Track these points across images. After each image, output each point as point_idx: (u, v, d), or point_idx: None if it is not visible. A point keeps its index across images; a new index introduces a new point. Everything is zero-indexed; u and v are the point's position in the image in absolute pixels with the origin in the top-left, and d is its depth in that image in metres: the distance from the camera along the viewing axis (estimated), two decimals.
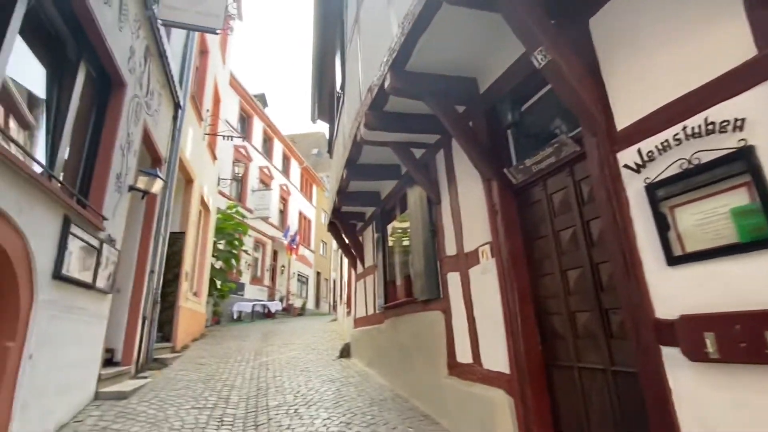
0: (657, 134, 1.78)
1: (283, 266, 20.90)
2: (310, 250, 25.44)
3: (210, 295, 11.38)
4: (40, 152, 3.19)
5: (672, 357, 1.67)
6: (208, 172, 9.83)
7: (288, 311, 19.45)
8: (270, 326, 12.48)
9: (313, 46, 6.81)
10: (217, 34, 5.52)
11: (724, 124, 1.53)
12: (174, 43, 6.21)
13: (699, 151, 1.61)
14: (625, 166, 1.93)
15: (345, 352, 6.70)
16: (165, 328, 7.37)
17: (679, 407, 1.65)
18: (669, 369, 1.70)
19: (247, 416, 3.91)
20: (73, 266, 3.29)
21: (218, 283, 12.01)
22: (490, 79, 3.03)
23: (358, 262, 6.90)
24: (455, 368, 3.51)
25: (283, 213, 21.60)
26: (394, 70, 2.95)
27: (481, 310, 3.19)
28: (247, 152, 17.29)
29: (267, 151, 20.25)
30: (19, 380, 2.67)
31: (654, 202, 1.78)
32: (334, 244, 30.39)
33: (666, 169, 1.73)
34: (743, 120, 1.48)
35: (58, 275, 3.05)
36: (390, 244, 5.38)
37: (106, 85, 4.17)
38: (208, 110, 9.36)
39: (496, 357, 2.97)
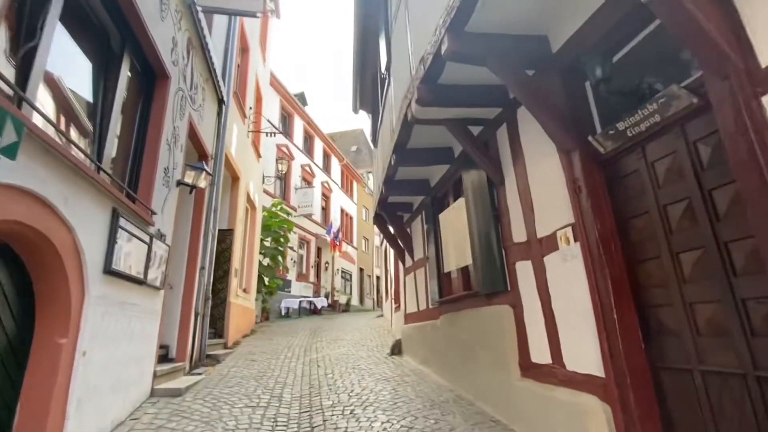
0: None
1: (327, 263, 21.02)
2: (353, 247, 25.48)
3: (258, 291, 11.52)
4: (86, 144, 3.12)
5: None
6: (253, 170, 9.88)
7: (333, 307, 19.54)
8: (317, 322, 12.49)
9: (354, 32, 6.54)
10: (257, 17, 5.37)
11: None
12: (215, 38, 6.16)
13: None
14: None
15: (396, 349, 6.42)
16: (217, 324, 7.43)
17: None
18: None
19: (301, 417, 3.71)
20: (124, 261, 3.21)
21: (266, 279, 12.14)
22: (566, 34, 2.59)
23: (407, 256, 6.58)
24: (529, 369, 3.10)
25: (325, 210, 21.71)
26: (453, 31, 2.58)
27: (562, 302, 2.76)
28: (289, 151, 17.45)
29: (308, 149, 20.40)
30: (73, 377, 2.58)
31: None
32: (377, 240, 30.41)
33: None
34: None
35: (108, 270, 2.96)
36: (443, 233, 5.01)
37: (151, 78, 4.10)
38: (251, 108, 9.38)
39: (584, 357, 2.54)
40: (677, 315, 2.10)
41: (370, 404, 3.90)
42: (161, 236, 4.10)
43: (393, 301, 8.95)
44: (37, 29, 2.41)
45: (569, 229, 2.67)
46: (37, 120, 2.34)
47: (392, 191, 5.43)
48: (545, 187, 2.94)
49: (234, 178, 8.22)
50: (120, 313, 3.26)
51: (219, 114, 6.55)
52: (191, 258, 5.60)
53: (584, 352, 2.54)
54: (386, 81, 5.17)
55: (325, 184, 21.71)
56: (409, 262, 6.51)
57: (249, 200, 9.54)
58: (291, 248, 14.24)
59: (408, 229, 6.48)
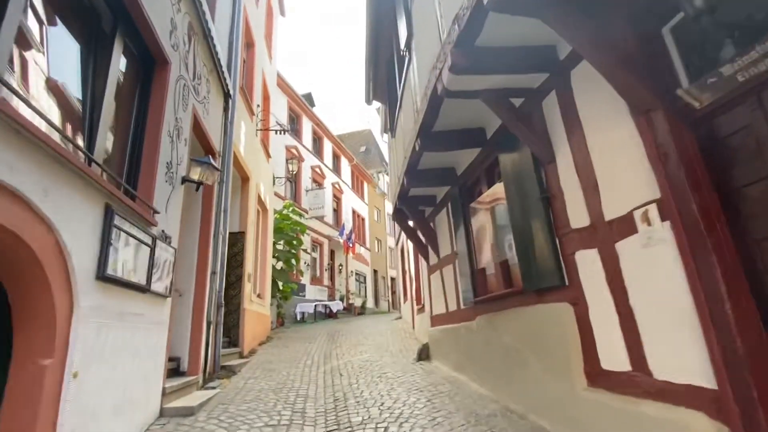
0: None
1: (341, 265, 20.63)
2: (366, 248, 25.06)
3: (273, 296, 11.14)
4: (74, 133, 2.72)
5: None
6: (263, 171, 9.51)
7: (349, 311, 19.12)
8: (334, 326, 12.06)
9: (367, 14, 6.10)
10: None
11: None
12: (219, 28, 5.78)
13: None
14: None
15: (424, 354, 5.94)
16: (231, 333, 7.05)
17: None
18: None
19: None
20: (122, 266, 2.80)
21: (280, 284, 11.76)
22: None
23: (431, 253, 6.10)
24: (599, 377, 2.60)
25: (337, 211, 21.34)
26: None
27: (644, 297, 2.26)
28: (298, 152, 17.10)
29: (317, 150, 20.05)
30: (62, 405, 2.17)
31: None
32: (390, 240, 29.98)
33: None
34: None
35: (102, 276, 2.55)
36: (475, 226, 4.53)
37: (149, 64, 3.71)
38: (258, 105, 9.01)
39: (681, 363, 2.05)
40: None
41: (405, 420, 3.43)
42: (166, 238, 3.70)
43: (415, 302, 8.47)
44: None
45: (652, 207, 2.18)
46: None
47: (415, 182, 4.96)
48: (614, 159, 2.45)
49: (244, 179, 7.84)
50: (120, 326, 2.84)
51: (225, 109, 6.17)
52: (201, 262, 5.21)
53: (680, 357, 2.05)
54: (406, 59, 4.71)
55: (336, 186, 21.34)
56: (433, 259, 6.04)
57: (260, 202, 9.16)
58: (304, 250, 13.84)
59: (431, 224, 6.01)
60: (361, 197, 25.77)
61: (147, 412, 3.33)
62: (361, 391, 4.47)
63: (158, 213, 3.50)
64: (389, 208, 31.05)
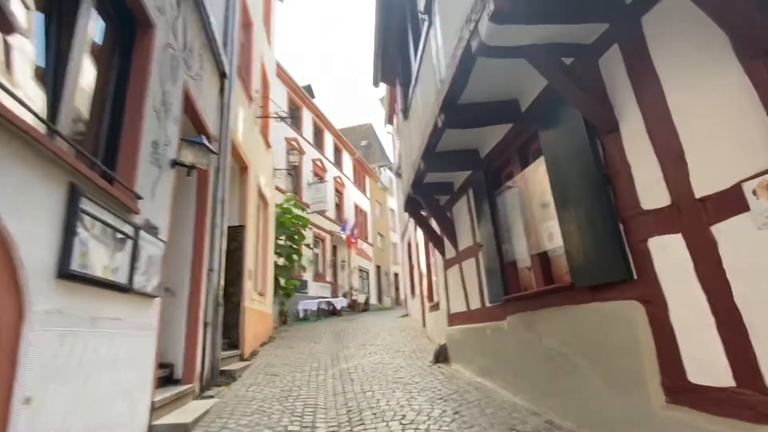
0: None
1: (343, 261, 20.15)
2: (369, 243, 24.58)
3: (275, 294, 10.65)
4: (28, 97, 2.20)
5: None
6: (263, 161, 8.99)
7: (352, 308, 18.66)
8: (339, 324, 11.59)
9: None
10: None
11: None
12: (213, 1, 5.23)
13: None
14: None
15: (441, 356, 5.45)
16: (231, 333, 6.56)
17: None
18: None
19: None
20: (93, 260, 2.29)
21: (282, 281, 11.27)
22: None
23: (448, 245, 5.60)
24: (685, 393, 2.10)
25: (339, 206, 20.83)
26: None
27: (761, 291, 1.76)
28: (298, 144, 16.56)
29: (318, 143, 19.51)
30: None
31: None
32: (393, 235, 29.49)
33: None
34: None
35: (66, 273, 2.04)
36: (504, 213, 4.02)
37: (130, 27, 3.18)
38: (257, 91, 8.48)
39: None
40: None
41: None
42: (152, 229, 3.19)
43: (426, 299, 7.97)
44: None
45: None
46: None
47: (433, 166, 4.44)
48: (710, 119, 1.93)
49: (242, 168, 7.32)
50: (92, 333, 2.34)
51: (222, 90, 5.64)
52: (197, 258, 4.71)
53: None
54: (425, 26, 4.18)
55: (338, 180, 20.81)
56: (450, 253, 5.53)
57: (260, 194, 8.64)
58: (307, 246, 13.34)
59: (448, 214, 5.50)
60: (363, 192, 25.25)
61: None
62: (376, 400, 3.97)
63: (141, 199, 2.99)
64: (392, 203, 30.53)
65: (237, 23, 6.32)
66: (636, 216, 2.37)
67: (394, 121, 13.86)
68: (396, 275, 29.00)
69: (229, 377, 5.15)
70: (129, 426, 2.79)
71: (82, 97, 2.69)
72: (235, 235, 6.89)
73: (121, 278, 2.64)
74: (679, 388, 2.14)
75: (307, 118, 18.49)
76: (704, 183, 1.97)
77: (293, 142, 15.91)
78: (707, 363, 1.98)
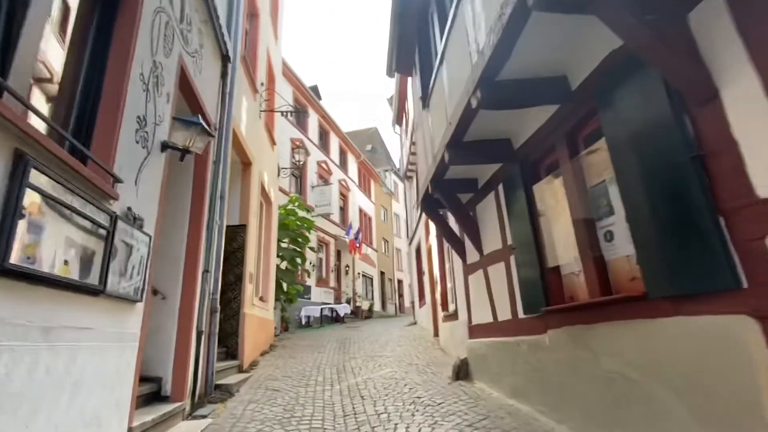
0: None
1: (347, 266, 19.61)
2: (373, 249, 24.03)
3: (277, 299, 10.11)
4: None
5: None
6: (267, 158, 8.50)
7: (355, 314, 18.07)
8: (343, 332, 11.01)
9: None
10: None
11: None
12: None
13: None
14: None
15: (462, 373, 4.89)
16: (229, 342, 6.03)
17: None
18: None
19: None
20: (47, 253, 1.77)
21: (285, 285, 10.73)
22: None
23: (470, 248, 5.06)
24: None
25: (343, 210, 20.33)
26: None
27: None
28: (303, 145, 16.10)
29: (324, 144, 19.07)
30: None
31: None
32: (397, 241, 28.96)
33: None
34: None
35: (1, 268, 1.52)
36: (545, 210, 3.49)
37: None
38: (262, 84, 8.02)
39: None
40: None
41: None
42: (134, 220, 2.68)
43: (440, 307, 7.41)
44: None
45: None
46: None
47: (460, 157, 3.92)
48: None
49: (245, 164, 6.83)
50: (45, 348, 1.81)
51: (224, 75, 5.16)
52: (190, 258, 4.19)
53: None
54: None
55: (343, 183, 20.33)
56: (473, 257, 4.99)
57: (264, 192, 8.15)
58: (312, 249, 12.80)
59: (471, 214, 4.97)
60: (369, 196, 24.75)
61: None
62: (394, 426, 3.42)
63: (121, 182, 2.48)
64: (397, 208, 30.01)
65: (242, 7, 5.87)
66: (745, 207, 1.84)
67: (404, 121, 13.39)
68: (400, 282, 28.41)
69: (226, 392, 4.61)
70: None
71: (51, 51, 2.20)
72: (235, 235, 6.39)
73: (90, 278, 2.12)
74: None
75: (312, 119, 18.06)
76: None
77: (298, 143, 15.45)
78: None
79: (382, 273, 25.14)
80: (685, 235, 2.09)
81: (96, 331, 2.24)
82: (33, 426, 1.71)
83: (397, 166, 34.19)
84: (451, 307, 6.55)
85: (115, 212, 2.37)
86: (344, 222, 19.78)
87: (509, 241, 4.02)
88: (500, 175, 4.17)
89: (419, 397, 4.23)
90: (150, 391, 3.62)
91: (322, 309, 14.34)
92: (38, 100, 2.19)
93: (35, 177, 1.68)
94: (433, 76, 4.63)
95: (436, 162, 4.45)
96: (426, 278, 9.83)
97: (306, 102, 17.35)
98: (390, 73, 6.77)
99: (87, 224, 2.09)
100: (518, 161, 3.77)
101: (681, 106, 2.13)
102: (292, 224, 11.22)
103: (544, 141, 3.42)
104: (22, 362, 1.65)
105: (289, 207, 11.55)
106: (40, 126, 1.92)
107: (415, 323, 12.54)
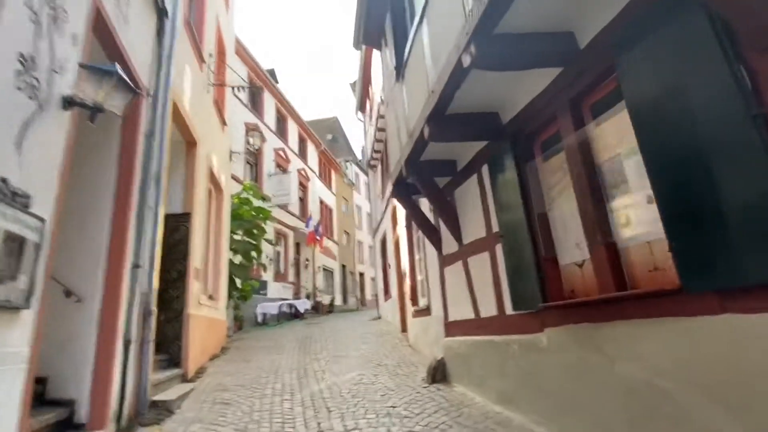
0: None
1: (307, 260, 18.78)
2: (334, 242, 23.29)
3: (230, 296, 9.24)
4: None
5: None
6: (217, 140, 7.60)
7: (316, 309, 17.35)
8: (303, 330, 10.33)
9: None
10: None
11: None
12: None
13: None
14: None
15: (439, 374, 4.43)
16: (171, 348, 5.22)
17: None
18: None
19: None
20: None
21: (238, 281, 9.86)
22: None
23: (447, 238, 4.60)
24: None
25: (303, 201, 19.43)
26: None
27: None
28: (259, 131, 15.05)
29: (281, 131, 18.03)
30: None
31: None
32: (359, 234, 28.44)
33: None
34: None
35: None
36: (541, 192, 3.06)
37: None
38: (211, 55, 7.11)
39: None
40: None
41: None
42: (14, 196, 1.92)
43: (410, 301, 6.95)
44: None
45: None
46: None
47: (441, 132, 3.41)
48: None
49: (189, 143, 5.96)
50: None
51: (160, 32, 4.32)
52: (115, 251, 3.40)
53: None
54: None
55: (302, 172, 19.40)
56: (451, 247, 4.52)
57: (213, 178, 7.27)
58: (269, 241, 11.93)
59: (448, 199, 4.49)
60: (329, 187, 23.92)
61: None
62: None
63: None
64: (358, 199, 29.36)
65: None
66: None
67: (367, 107, 12.77)
68: (362, 275, 27.90)
69: (164, 411, 3.86)
70: None
71: None
72: (178, 225, 5.55)
73: None
74: None
75: (269, 104, 16.96)
76: None
77: (253, 127, 14.40)
78: None
79: (343, 266, 24.48)
80: (740, 215, 1.68)
81: None
82: None
83: (359, 156, 33.53)
84: (423, 302, 6.10)
85: None
86: (304, 213, 18.90)
87: (495, 229, 3.58)
88: (485, 155, 3.71)
89: (394, 407, 3.72)
90: (58, 420, 2.85)
91: (280, 305, 13.51)
92: None
93: None
94: (410, 40, 4.08)
95: (413, 140, 3.91)
96: (392, 271, 9.34)
97: (262, 85, 16.23)
98: (357, 45, 6.14)
99: None
100: (508, 137, 3.31)
101: (735, 53, 1.71)
102: (247, 214, 10.32)
103: (541, 112, 2.97)
104: None
105: (243, 195, 10.63)
106: None
107: (379, 318, 12.07)
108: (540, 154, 3.15)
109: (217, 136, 7.77)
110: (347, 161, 28.88)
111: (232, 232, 9.38)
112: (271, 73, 18.34)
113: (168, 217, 5.41)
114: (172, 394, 4.26)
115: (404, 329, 7.84)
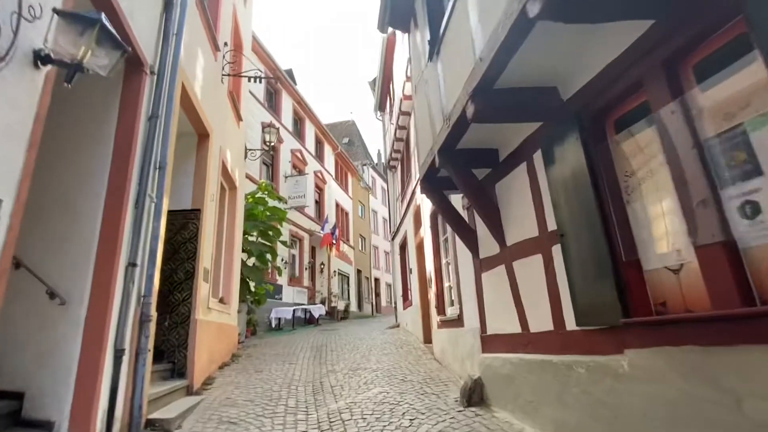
0: None
1: (322, 264, 18.34)
2: (350, 246, 22.83)
3: (242, 300, 8.80)
4: None
5: None
6: (231, 135, 7.20)
7: (331, 315, 16.85)
8: (318, 336, 9.82)
9: None
10: None
11: None
12: None
13: None
14: None
15: (476, 396, 3.84)
16: (176, 356, 4.77)
17: None
18: None
19: None
20: None
21: (252, 284, 9.43)
22: None
23: (487, 239, 4.02)
24: None
25: (319, 203, 19.05)
26: None
27: None
28: (275, 128, 14.72)
29: (299, 132, 17.72)
30: None
31: None
32: (375, 238, 27.95)
33: None
34: None
35: None
36: (617, 179, 2.48)
37: None
38: (226, 44, 6.72)
39: None
40: None
41: None
42: None
43: (436, 310, 6.36)
44: None
45: None
46: None
47: (491, 109, 2.87)
48: None
49: (201, 135, 5.55)
50: None
51: (168, 5, 3.90)
52: (106, 246, 2.94)
53: None
54: None
55: (319, 174, 19.03)
56: (490, 249, 3.95)
57: (226, 174, 6.86)
58: (284, 243, 11.50)
59: (488, 194, 3.92)
60: (346, 190, 23.51)
61: None
62: None
63: None
64: (374, 203, 28.87)
65: None
66: None
67: (387, 105, 12.29)
68: (377, 280, 27.35)
69: (161, 430, 3.38)
70: None
71: None
72: (186, 221, 5.12)
73: None
74: None
75: (287, 104, 16.68)
76: None
77: (270, 124, 14.07)
78: None
79: (359, 271, 23.97)
80: None
81: None
82: None
83: (375, 161, 33.08)
84: (451, 311, 5.51)
85: None
86: (320, 216, 18.50)
87: (552, 227, 3.00)
88: (537, 139, 3.14)
89: None
90: None
91: (294, 310, 13.06)
92: None
93: None
94: (450, 5, 3.54)
95: (450, 122, 3.37)
96: (414, 277, 8.77)
97: (280, 85, 15.95)
98: (382, 28, 5.66)
99: None
100: (571, 116, 2.74)
101: None
102: (262, 215, 9.91)
103: (616, 82, 2.39)
104: None
105: (258, 195, 10.23)
106: None
107: (397, 326, 11.47)
108: (614, 134, 2.57)
109: (232, 131, 7.37)
110: (363, 165, 28.50)
111: (246, 232, 8.97)
112: (289, 73, 18.08)
113: (176, 213, 5.01)
114: (173, 410, 3.78)
115: (428, 340, 7.25)
